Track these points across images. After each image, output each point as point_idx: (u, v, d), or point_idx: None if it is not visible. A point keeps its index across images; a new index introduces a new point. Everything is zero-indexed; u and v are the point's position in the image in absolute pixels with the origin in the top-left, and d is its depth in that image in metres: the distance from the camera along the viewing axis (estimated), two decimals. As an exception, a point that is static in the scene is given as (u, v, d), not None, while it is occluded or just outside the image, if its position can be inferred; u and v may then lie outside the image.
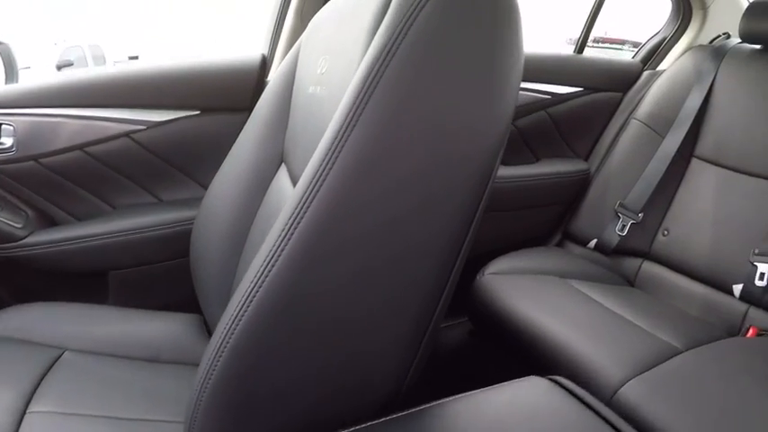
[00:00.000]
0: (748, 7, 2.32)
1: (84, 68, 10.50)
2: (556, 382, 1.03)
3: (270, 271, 0.81)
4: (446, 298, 0.92)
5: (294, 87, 1.36)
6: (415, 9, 0.80)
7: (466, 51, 0.82)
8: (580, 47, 2.60)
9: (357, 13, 1.01)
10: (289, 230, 0.80)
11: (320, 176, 0.80)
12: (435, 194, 0.83)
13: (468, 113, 0.83)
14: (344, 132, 0.79)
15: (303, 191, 0.81)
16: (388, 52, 0.79)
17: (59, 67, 9.73)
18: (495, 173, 0.91)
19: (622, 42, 9.63)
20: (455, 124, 0.82)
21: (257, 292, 0.81)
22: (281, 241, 0.81)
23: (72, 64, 10.11)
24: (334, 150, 0.79)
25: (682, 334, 1.79)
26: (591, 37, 7.99)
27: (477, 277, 2.02)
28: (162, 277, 1.86)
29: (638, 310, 1.92)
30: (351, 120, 0.79)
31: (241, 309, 0.82)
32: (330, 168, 0.79)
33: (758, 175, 2.15)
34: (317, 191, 0.80)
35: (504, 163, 2.42)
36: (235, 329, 0.82)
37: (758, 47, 2.37)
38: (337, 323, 0.85)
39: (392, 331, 0.89)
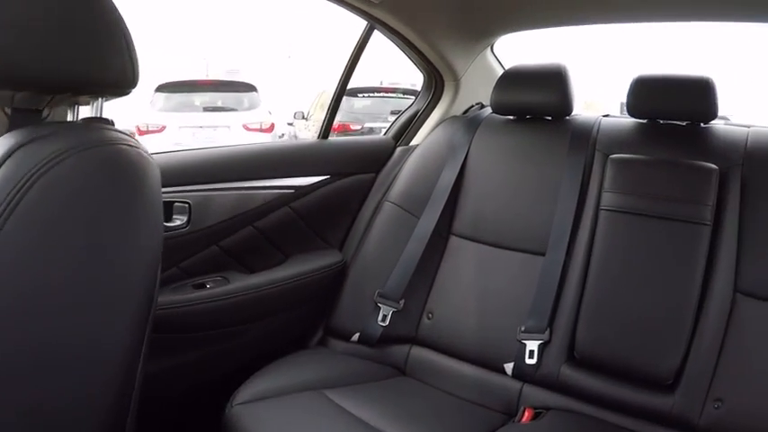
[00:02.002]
0: (499, 79, 2.31)
1: None
2: None
3: None
4: None
5: None
6: (15, 195, 0.79)
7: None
8: (324, 132, 2.43)
9: None
10: None
11: None
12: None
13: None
14: None
15: None
16: None
17: None
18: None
19: (394, 90, 9.88)
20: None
21: None
22: None
23: None
24: None
25: None
26: (363, 87, 8.01)
27: (226, 409, 1.82)
28: None
29: (403, 414, 1.84)
30: None
31: None
32: None
33: (516, 249, 2.14)
34: None
35: (252, 269, 2.24)
36: None
37: (511, 117, 2.36)
38: None
39: None
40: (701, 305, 1.84)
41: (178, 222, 2.02)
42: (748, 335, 1.79)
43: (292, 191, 2.27)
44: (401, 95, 9.57)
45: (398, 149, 2.56)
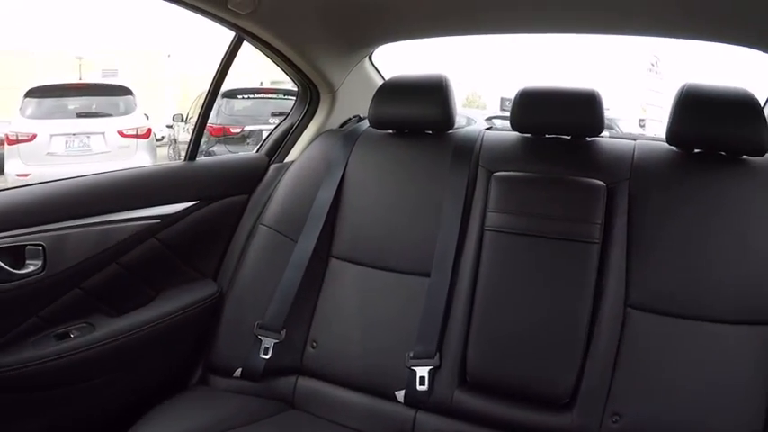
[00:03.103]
0: (376, 92, 2.24)
1: None
2: None
3: None
4: None
5: None
6: None
7: None
8: (191, 153, 2.26)
9: None
10: None
11: None
12: None
13: None
14: None
15: None
16: None
17: None
18: None
19: (275, 91, 9.78)
20: None
21: None
22: None
23: None
24: None
25: None
26: (243, 88, 7.89)
27: None
28: None
29: None
30: None
31: None
32: None
33: (399, 271, 2.10)
34: None
35: (121, 311, 2.05)
36: None
37: (390, 131, 2.29)
38: None
39: None
40: (593, 322, 1.87)
41: (32, 268, 1.83)
42: (641, 348, 1.84)
43: (158, 221, 2.10)
44: (282, 96, 9.43)
45: (272, 167, 2.43)
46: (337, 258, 2.19)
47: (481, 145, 2.15)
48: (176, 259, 2.20)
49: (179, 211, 2.15)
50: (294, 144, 2.50)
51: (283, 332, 2.08)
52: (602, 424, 1.80)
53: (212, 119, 9.16)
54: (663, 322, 1.84)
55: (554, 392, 1.86)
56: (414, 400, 1.94)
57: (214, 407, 1.98)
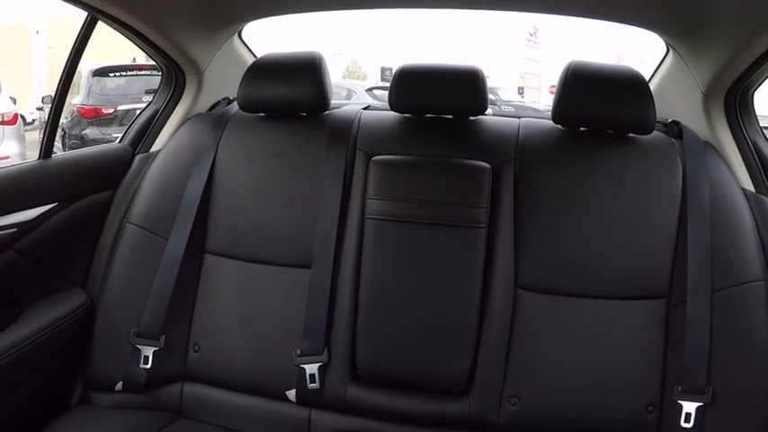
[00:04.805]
0: (245, 73, 2.13)
1: None
2: None
3: None
4: None
5: None
6: None
7: None
8: (45, 150, 2.05)
9: None
10: None
11: None
12: None
13: None
14: None
15: None
16: None
17: None
18: None
19: (148, 68, 9.51)
20: None
21: None
22: None
23: None
24: None
25: None
26: (114, 66, 7.58)
27: None
28: None
29: None
30: None
31: None
32: None
33: (278, 263, 2.03)
34: None
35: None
36: None
37: (261, 114, 2.17)
38: None
39: None
40: (483, 306, 1.88)
41: None
42: (533, 328, 1.87)
43: (14, 230, 1.92)
44: (156, 72, 9.14)
45: (138, 158, 2.26)
46: (212, 254, 2.08)
47: (359, 127, 2.09)
48: (39, 270, 2.04)
49: (37, 217, 1.98)
50: (160, 131, 2.33)
51: (162, 338, 1.98)
52: (500, 408, 1.82)
53: (83, 100, 8.84)
54: (554, 302, 1.87)
55: (449, 380, 1.87)
56: (306, 398, 1.91)
57: (98, 426, 1.89)
